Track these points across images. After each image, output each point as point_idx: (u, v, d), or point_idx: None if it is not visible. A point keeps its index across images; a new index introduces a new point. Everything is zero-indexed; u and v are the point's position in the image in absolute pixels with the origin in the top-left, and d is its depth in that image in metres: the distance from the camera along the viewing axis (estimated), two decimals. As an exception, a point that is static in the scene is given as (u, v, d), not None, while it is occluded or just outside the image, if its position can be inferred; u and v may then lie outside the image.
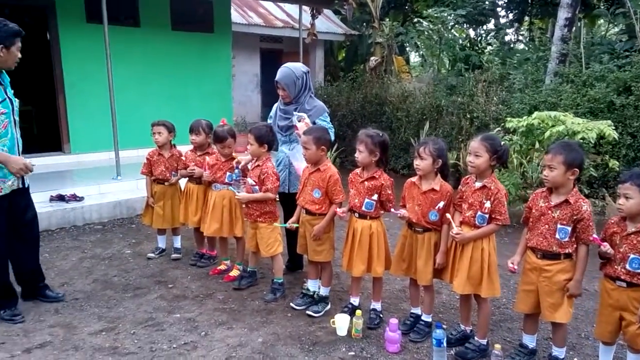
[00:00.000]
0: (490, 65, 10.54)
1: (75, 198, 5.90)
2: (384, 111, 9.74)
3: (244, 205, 3.95)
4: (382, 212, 3.44)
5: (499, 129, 7.22)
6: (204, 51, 9.48)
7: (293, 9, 12.70)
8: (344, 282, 4.22)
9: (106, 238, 5.36)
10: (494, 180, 2.99)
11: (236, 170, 4.20)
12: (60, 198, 5.84)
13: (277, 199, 4.04)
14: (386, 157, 3.42)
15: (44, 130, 9.85)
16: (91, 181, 6.51)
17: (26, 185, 3.54)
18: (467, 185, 3.10)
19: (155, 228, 4.76)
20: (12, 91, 3.45)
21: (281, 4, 13.23)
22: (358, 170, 3.47)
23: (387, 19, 13.93)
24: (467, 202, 3.05)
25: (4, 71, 3.39)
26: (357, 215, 3.42)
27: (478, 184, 3.01)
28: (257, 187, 3.80)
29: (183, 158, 4.60)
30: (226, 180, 4.19)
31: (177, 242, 4.80)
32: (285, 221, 3.82)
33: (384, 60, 12.40)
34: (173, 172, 4.61)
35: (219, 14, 9.65)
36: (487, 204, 2.95)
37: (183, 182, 4.63)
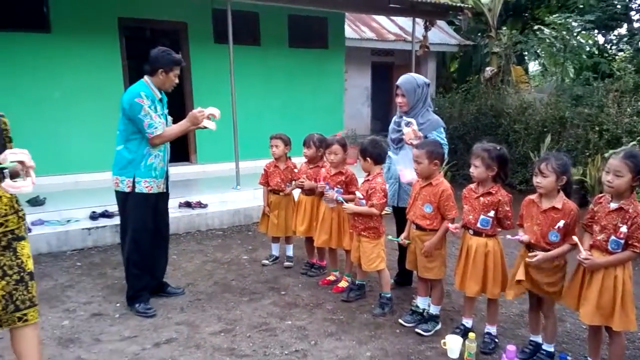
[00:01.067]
0: (622, 73, 9.60)
1: (200, 205, 6.39)
2: (499, 123, 9.30)
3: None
4: (499, 229, 3.28)
5: (634, 143, 6.54)
6: (318, 66, 9.80)
7: (406, 21, 12.67)
8: (455, 302, 4.08)
9: (226, 243, 5.72)
10: (634, 203, 2.68)
11: (327, 187, 4.27)
12: (187, 205, 6.36)
13: (388, 213, 4.04)
14: (505, 172, 3.26)
15: (174, 142, 10.75)
16: (214, 190, 7.02)
17: (168, 191, 4.03)
18: (600, 205, 2.83)
19: (270, 236, 4.99)
20: (167, 110, 3.95)
21: (394, 18, 13.27)
22: (473, 186, 3.35)
23: (505, 28, 13.32)
24: (600, 224, 2.78)
25: (162, 91, 3.89)
26: (471, 232, 3.30)
27: (613, 205, 2.73)
28: (364, 201, 3.83)
29: (296, 170, 4.78)
30: (324, 191, 4.27)
31: (290, 251, 4.98)
32: (397, 235, 3.80)
33: (501, 70, 11.85)
34: (288, 183, 4.80)
35: (333, 30, 9.93)
36: (623, 229, 2.66)
37: (297, 193, 4.80)
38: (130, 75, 7.88)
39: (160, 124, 3.73)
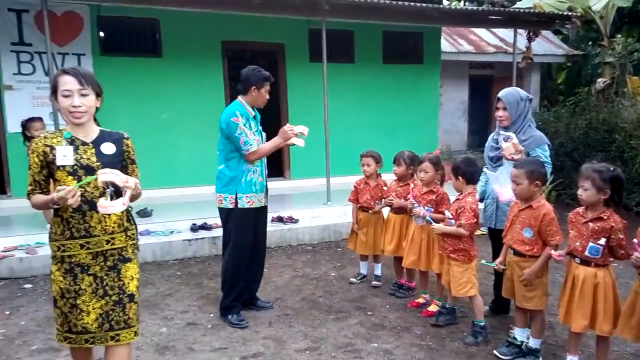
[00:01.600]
0: None
1: (291, 220, 6.51)
2: (613, 139, 8.49)
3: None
4: (611, 259, 2.96)
5: None
6: (413, 82, 9.65)
7: (507, 32, 12.10)
8: (559, 335, 3.73)
9: (315, 259, 5.75)
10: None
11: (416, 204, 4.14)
12: (280, 219, 6.51)
13: (483, 233, 3.82)
14: (620, 196, 2.93)
15: (269, 158, 11.13)
16: (305, 205, 7.12)
17: (267, 205, 4.18)
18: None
19: (359, 254, 4.93)
20: (261, 127, 4.12)
21: (494, 29, 12.74)
22: (580, 209, 3.05)
23: (619, 36, 12.23)
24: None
25: (256, 109, 4.06)
26: (578, 260, 3.00)
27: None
28: (453, 221, 3.65)
29: (385, 188, 4.70)
30: (413, 208, 4.14)
31: (378, 270, 4.88)
32: (493, 259, 3.57)
33: (615, 81, 10.86)
34: (377, 201, 4.73)
35: (429, 44, 9.74)
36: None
37: (387, 211, 4.71)
38: (231, 95, 8.31)
39: (254, 141, 3.87)
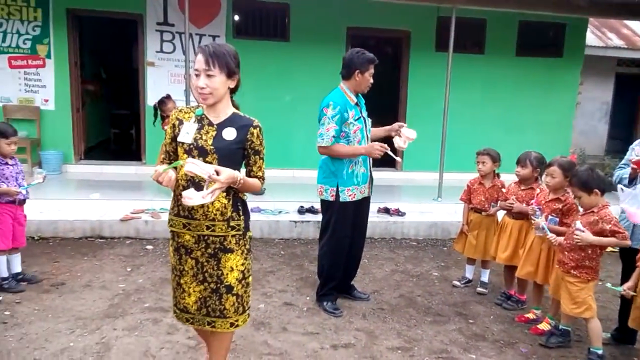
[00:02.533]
0: None
1: (398, 213, 6.36)
2: None
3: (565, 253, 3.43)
4: None
5: None
6: (548, 77, 8.85)
7: (670, 26, 10.57)
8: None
9: (418, 255, 5.56)
10: None
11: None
12: (386, 211, 6.39)
13: (614, 251, 3.38)
14: None
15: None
16: (414, 199, 6.91)
17: (370, 195, 4.05)
18: None
19: (466, 256, 4.66)
20: (367, 112, 3.98)
21: (654, 22, 11.21)
22: None
23: None
24: None
25: (359, 94, 3.91)
26: None
27: None
28: (585, 234, 3.25)
29: (504, 190, 4.36)
30: (534, 216, 3.77)
31: (485, 276, 4.57)
32: (622, 282, 3.14)
33: None
34: (492, 203, 4.41)
35: (571, 37, 8.84)
36: None
37: (501, 215, 4.38)
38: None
39: (328, 138, 3.71)
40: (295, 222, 6.03)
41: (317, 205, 6.30)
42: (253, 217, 5.84)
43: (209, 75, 2.26)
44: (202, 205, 2.30)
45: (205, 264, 2.41)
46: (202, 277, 2.42)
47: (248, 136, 2.37)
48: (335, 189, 3.82)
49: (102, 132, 10.17)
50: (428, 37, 8.39)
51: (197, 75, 2.28)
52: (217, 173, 2.19)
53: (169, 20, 7.70)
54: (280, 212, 6.27)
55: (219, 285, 2.42)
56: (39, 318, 3.63)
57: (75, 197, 6.26)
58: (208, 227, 2.37)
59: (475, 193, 4.48)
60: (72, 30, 7.59)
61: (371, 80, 3.83)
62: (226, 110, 2.39)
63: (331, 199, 3.84)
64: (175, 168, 2.35)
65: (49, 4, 7.34)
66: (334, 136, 3.72)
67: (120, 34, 10.26)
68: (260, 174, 2.45)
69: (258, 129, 2.39)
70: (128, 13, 7.78)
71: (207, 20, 7.78)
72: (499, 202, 4.32)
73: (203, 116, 2.37)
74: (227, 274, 2.42)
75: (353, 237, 4.01)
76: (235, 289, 2.44)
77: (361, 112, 3.89)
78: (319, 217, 6.05)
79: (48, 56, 7.47)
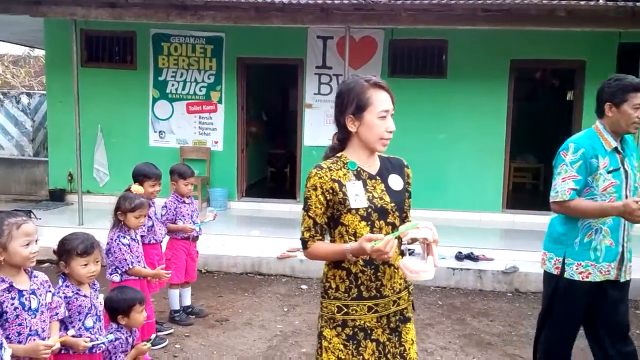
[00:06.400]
0: None
1: None
2: None
3: None
4: None
5: None
6: None
7: None
8: None
9: None
10: None
11: None
12: None
13: None
14: None
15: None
16: None
17: (623, 279, 2.84)
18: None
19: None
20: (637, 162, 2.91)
21: None
22: None
23: None
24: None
25: (626, 136, 2.91)
26: None
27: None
28: None
29: None
30: None
31: None
32: None
33: None
34: None
35: None
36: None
37: None
38: (513, 118, 7.73)
39: (565, 190, 2.74)
40: (453, 269, 5.60)
41: (477, 252, 5.84)
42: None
43: (391, 116, 1.95)
44: (391, 277, 1.97)
45: (387, 343, 1.99)
46: None
47: (406, 179, 2.07)
48: (561, 259, 2.84)
49: (260, 171, 10.80)
50: (607, 65, 7.45)
51: (383, 117, 1.92)
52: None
53: (327, 63, 7.95)
54: (436, 258, 5.87)
55: None
56: (205, 354, 3.75)
57: (237, 233, 6.59)
58: (394, 302, 2.00)
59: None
60: (241, 77, 8.23)
61: (637, 115, 2.74)
62: (375, 155, 2.03)
63: (554, 271, 2.87)
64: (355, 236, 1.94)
65: (222, 55, 8.07)
66: (573, 189, 2.74)
67: (280, 78, 10.94)
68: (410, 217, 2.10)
69: (409, 168, 2.11)
70: (290, 59, 8.21)
71: (364, 61, 7.86)
72: None
73: (359, 169, 1.98)
74: (409, 349, 2.03)
75: (598, 337, 2.92)
76: None
77: (623, 163, 2.83)
78: (480, 265, 5.61)
79: (219, 101, 8.17)
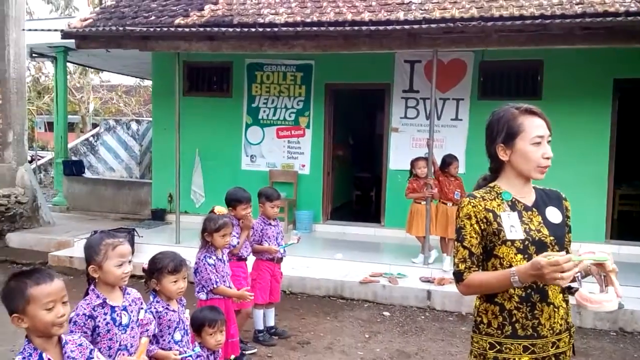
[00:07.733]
0: None
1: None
2: None
3: None
4: None
5: None
6: None
7: None
8: None
9: None
10: None
11: None
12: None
13: None
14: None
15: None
16: None
17: None
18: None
19: None
20: None
21: None
22: None
23: None
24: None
25: None
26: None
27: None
28: None
29: None
30: None
31: None
32: None
33: None
34: None
35: None
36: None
37: None
38: (617, 140, 7.16)
39: None
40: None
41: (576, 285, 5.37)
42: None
43: (548, 142, 1.87)
44: (550, 317, 1.82)
45: None
46: None
47: (565, 212, 1.97)
48: None
49: (346, 194, 10.86)
50: None
51: (537, 144, 1.86)
52: None
53: (414, 87, 7.89)
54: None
55: None
56: (286, 376, 3.79)
57: (321, 256, 6.66)
58: (553, 344, 1.84)
59: None
60: (329, 103, 8.41)
61: None
62: (529, 184, 1.94)
63: None
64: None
65: (311, 81, 8.32)
66: None
67: (368, 102, 11.02)
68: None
69: (568, 201, 2.00)
70: (377, 83, 8.26)
71: (452, 85, 7.71)
72: None
73: (514, 200, 1.90)
74: None
75: None
76: None
77: None
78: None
79: (307, 126, 8.39)
